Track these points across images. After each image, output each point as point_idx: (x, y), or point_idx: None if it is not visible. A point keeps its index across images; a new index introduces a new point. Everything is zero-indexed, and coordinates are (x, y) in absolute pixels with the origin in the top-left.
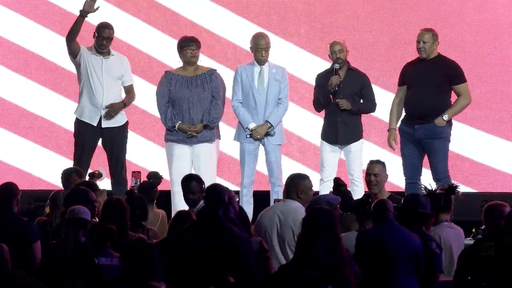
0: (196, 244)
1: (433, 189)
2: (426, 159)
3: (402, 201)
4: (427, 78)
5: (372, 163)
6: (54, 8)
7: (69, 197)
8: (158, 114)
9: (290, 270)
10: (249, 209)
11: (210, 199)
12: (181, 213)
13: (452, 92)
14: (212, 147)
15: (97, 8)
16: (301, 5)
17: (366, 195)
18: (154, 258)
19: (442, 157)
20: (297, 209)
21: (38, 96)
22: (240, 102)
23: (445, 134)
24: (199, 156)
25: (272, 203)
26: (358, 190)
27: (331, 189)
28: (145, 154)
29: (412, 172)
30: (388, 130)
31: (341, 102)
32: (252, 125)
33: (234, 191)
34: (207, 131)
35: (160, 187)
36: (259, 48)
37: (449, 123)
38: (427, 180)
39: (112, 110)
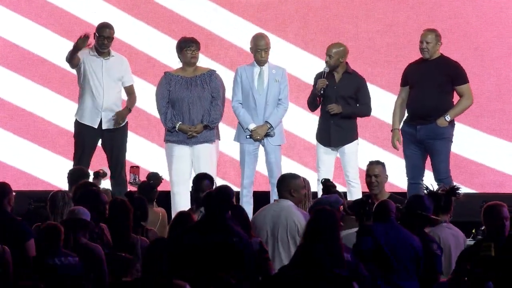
0: (198, 244)
1: (435, 190)
2: (428, 160)
3: (406, 202)
4: (430, 79)
5: (372, 164)
6: (54, 9)
7: (81, 198)
8: (157, 115)
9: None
10: (249, 209)
11: (218, 200)
12: (181, 214)
13: (455, 92)
14: (212, 147)
15: (89, 44)
16: (302, 5)
17: (366, 195)
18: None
19: (444, 157)
20: (290, 208)
21: (38, 97)
22: (240, 103)
23: (447, 134)
24: (199, 157)
25: None
26: (355, 191)
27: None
28: (145, 154)
29: (414, 173)
30: (391, 131)
31: (330, 107)
32: (252, 126)
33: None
34: (207, 131)
35: (160, 188)
36: (259, 48)
37: (451, 123)
38: (429, 181)
39: (120, 118)
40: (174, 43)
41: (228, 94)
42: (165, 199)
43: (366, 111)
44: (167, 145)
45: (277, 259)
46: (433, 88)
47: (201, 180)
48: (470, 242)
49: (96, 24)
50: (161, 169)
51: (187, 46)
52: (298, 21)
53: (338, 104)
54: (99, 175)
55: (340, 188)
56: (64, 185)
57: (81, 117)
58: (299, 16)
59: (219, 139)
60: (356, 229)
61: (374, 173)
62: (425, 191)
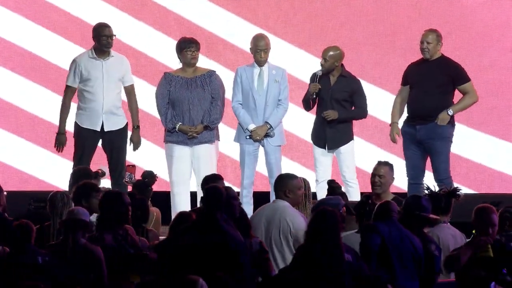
0: (194, 244)
1: (436, 191)
2: (428, 160)
3: (404, 202)
4: (430, 79)
5: (380, 164)
6: (54, 9)
7: (104, 201)
8: (157, 115)
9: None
10: (249, 210)
11: (209, 200)
12: (182, 214)
13: (455, 93)
14: (212, 148)
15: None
16: (302, 6)
17: (366, 196)
18: None
19: (444, 158)
20: (285, 208)
21: (38, 97)
22: (240, 103)
23: (447, 135)
24: (199, 157)
25: None
26: (352, 191)
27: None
28: (145, 155)
29: (414, 173)
30: (390, 125)
31: (327, 114)
32: (251, 126)
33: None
34: (206, 132)
35: (160, 188)
36: (258, 49)
37: (451, 124)
38: (429, 181)
39: (136, 143)
40: (174, 43)
41: (228, 94)
42: (165, 199)
43: (361, 114)
44: (167, 146)
45: (271, 258)
46: (434, 89)
47: (214, 182)
48: None
49: (93, 24)
50: (161, 170)
51: (187, 47)
52: (298, 22)
53: (334, 109)
54: (98, 175)
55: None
56: (64, 185)
57: (82, 120)
58: (299, 17)
59: (219, 140)
60: (355, 230)
61: (379, 173)
62: (426, 191)
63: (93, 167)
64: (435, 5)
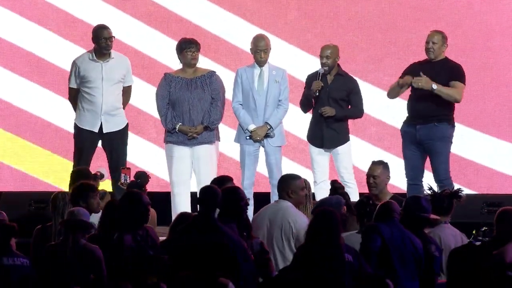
0: (191, 244)
1: (438, 192)
2: (428, 161)
3: (403, 203)
4: (432, 79)
5: (374, 164)
6: (54, 9)
7: (124, 201)
8: (157, 116)
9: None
10: (249, 210)
11: (204, 200)
12: (183, 215)
13: None
14: (212, 148)
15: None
16: (302, 6)
17: (366, 196)
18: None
19: (443, 158)
20: (287, 209)
21: (38, 97)
22: (240, 104)
23: (447, 135)
24: (199, 158)
25: None
26: (351, 192)
27: (328, 191)
28: (145, 155)
29: (413, 174)
30: (398, 83)
31: (324, 110)
32: (251, 127)
33: None
34: (207, 132)
35: (160, 189)
36: (258, 49)
37: (451, 124)
38: (429, 181)
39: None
40: (174, 44)
41: (228, 95)
42: (165, 200)
43: (358, 114)
44: (167, 146)
45: (272, 258)
46: None
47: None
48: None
49: (92, 24)
50: (161, 170)
51: (187, 47)
52: (298, 22)
53: (331, 106)
54: (96, 177)
55: None
56: (64, 185)
57: (81, 122)
58: (300, 17)
59: (219, 140)
60: (357, 230)
61: (373, 173)
62: (429, 191)
63: (93, 168)
64: (434, 5)
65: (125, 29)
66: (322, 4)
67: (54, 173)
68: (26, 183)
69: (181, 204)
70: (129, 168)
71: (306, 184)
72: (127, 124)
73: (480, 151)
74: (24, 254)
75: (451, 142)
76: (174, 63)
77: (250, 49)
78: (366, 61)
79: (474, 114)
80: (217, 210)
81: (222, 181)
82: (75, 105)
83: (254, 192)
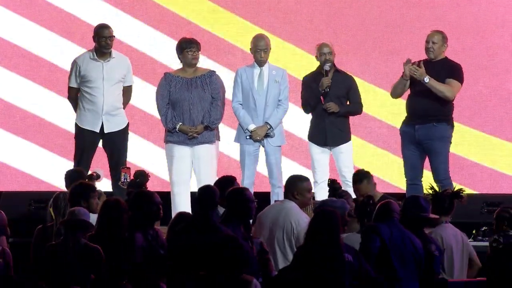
0: (190, 244)
1: (440, 191)
2: (427, 160)
3: (402, 204)
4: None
5: (357, 182)
6: (54, 9)
7: (134, 200)
8: (158, 115)
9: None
10: None
11: (202, 200)
12: (181, 214)
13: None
14: (212, 148)
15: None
16: (301, 6)
17: (368, 196)
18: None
19: (443, 158)
20: (291, 209)
21: (39, 97)
22: (240, 104)
23: (446, 135)
24: (199, 158)
25: None
26: (352, 191)
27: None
28: (145, 155)
29: (413, 174)
30: (402, 77)
31: (329, 106)
32: (251, 127)
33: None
34: (207, 132)
35: (160, 189)
36: (258, 49)
37: (450, 124)
38: (428, 181)
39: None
40: (174, 43)
41: (228, 95)
42: (165, 199)
43: (358, 109)
44: (167, 146)
45: (273, 258)
46: None
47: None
48: (470, 243)
49: (94, 24)
50: (161, 170)
51: (188, 47)
52: (298, 22)
53: (335, 103)
54: (92, 178)
55: None
56: (64, 186)
57: (82, 121)
58: (300, 17)
59: (219, 140)
60: (357, 231)
61: (361, 193)
62: (430, 191)
63: (93, 167)
64: (435, 5)
65: (125, 29)
66: (322, 4)
67: (54, 173)
68: (26, 183)
69: (181, 204)
70: (129, 168)
71: None
72: (128, 124)
73: (480, 151)
74: (24, 254)
75: (450, 142)
76: (174, 63)
77: (250, 49)
78: (366, 60)
79: (474, 114)
80: (219, 211)
81: (228, 182)
82: (75, 105)
83: (254, 192)
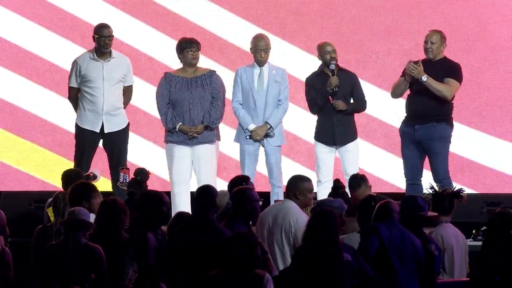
0: (189, 244)
1: (440, 191)
2: (426, 160)
3: (400, 204)
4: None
5: (354, 188)
6: (54, 9)
7: (142, 200)
8: (158, 115)
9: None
10: None
11: (201, 200)
12: (180, 214)
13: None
14: (212, 148)
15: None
16: (302, 6)
17: (369, 195)
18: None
19: (443, 158)
20: (290, 208)
21: (39, 97)
22: (240, 104)
23: (446, 135)
24: (199, 157)
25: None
26: None
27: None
28: (145, 155)
29: (412, 174)
30: (403, 77)
31: (337, 103)
32: (251, 126)
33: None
34: (207, 132)
35: (160, 189)
36: (258, 49)
37: (450, 124)
38: (428, 181)
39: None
40: (174, 43)
41: (228, 94)
42: None
43: (363, 106)
44: (168, 146)
45: (272, 257)
46: None
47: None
48: (470, 242)
49: (94, 24)
50: (162, 170)
51: (188, 47)
52: (298, 22)
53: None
54: (89, 178)
55: None
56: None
57: (82, 122)
58: (300, 17)
59: (219, 140)
60: (357, 231)
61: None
62: (430, 190)
63: (94, 167)
64: (435, 6)
65: (125, 29)
66: (322, 4)
67: (54, 173)
68: (26, 183)
69: (181, 204)
70: (128, 168)
71: None
72: (128, 124)
73: (480, 151)
74: (24, 254)
75: (450, 142)
76: (174, 63)
77: (250, 48)
78: (366, 60)
79: (474, 114)
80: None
81: (242, 182)
82: (75, 105)
83: None
